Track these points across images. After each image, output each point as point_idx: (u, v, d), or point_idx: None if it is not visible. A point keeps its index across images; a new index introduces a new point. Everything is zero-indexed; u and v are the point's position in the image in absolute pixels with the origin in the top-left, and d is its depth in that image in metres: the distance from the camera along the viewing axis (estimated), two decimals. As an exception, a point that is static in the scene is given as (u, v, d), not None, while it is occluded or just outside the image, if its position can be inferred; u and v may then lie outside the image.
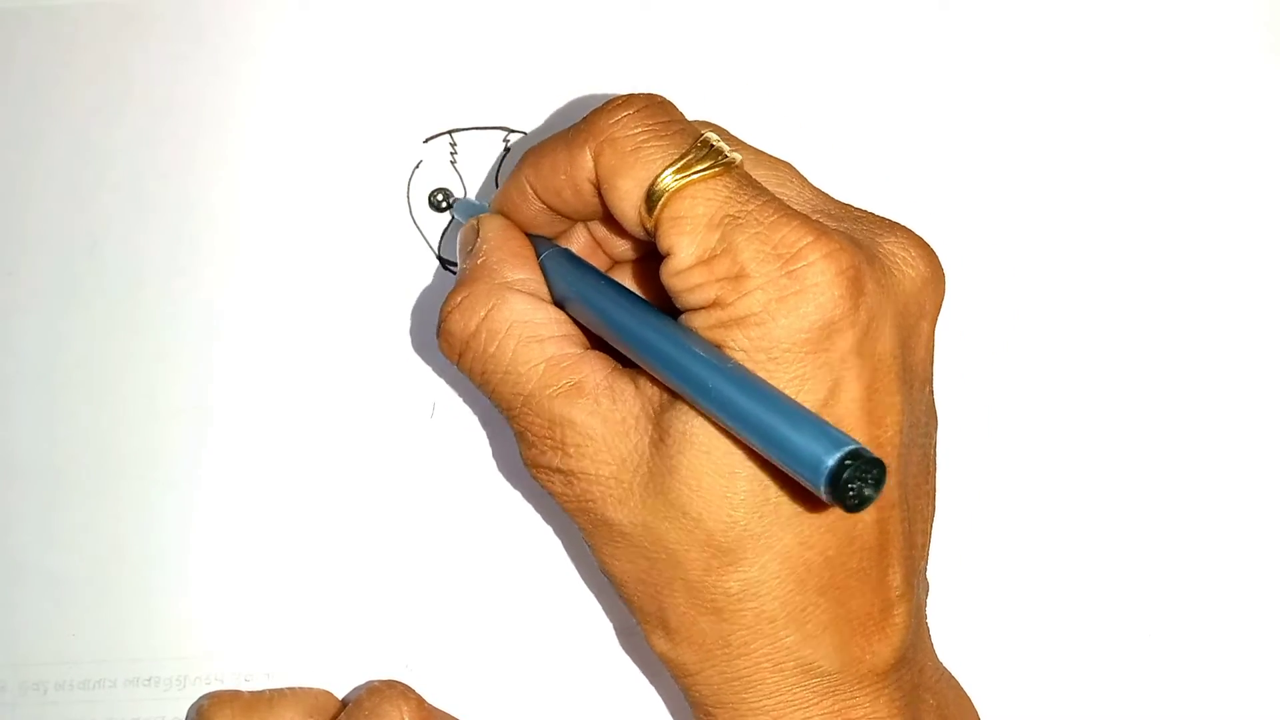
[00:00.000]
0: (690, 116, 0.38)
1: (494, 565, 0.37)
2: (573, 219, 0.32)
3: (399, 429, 0.37)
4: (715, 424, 0.28)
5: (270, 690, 0.34)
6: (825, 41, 0.39)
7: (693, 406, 0.28)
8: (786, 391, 0.27)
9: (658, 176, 0.29)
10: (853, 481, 0.25)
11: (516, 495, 0.37)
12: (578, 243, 0.33)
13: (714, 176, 0.29)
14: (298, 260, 0.38)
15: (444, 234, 0.38)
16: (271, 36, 0.39)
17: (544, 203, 0.32)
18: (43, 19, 0.40)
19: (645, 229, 0.29)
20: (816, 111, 0.39)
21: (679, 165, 0.29)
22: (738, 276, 0.28)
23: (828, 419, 0.27)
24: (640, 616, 0.31)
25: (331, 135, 0.39)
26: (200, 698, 0.34)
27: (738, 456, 0.28)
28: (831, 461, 0.25)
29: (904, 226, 0.30)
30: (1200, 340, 0.38)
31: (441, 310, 0.31)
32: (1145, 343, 0.38)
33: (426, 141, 0.39)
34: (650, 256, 0.33)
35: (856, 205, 0.31)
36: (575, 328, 0.31)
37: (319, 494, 0.37)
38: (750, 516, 0.28)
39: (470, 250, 0.33)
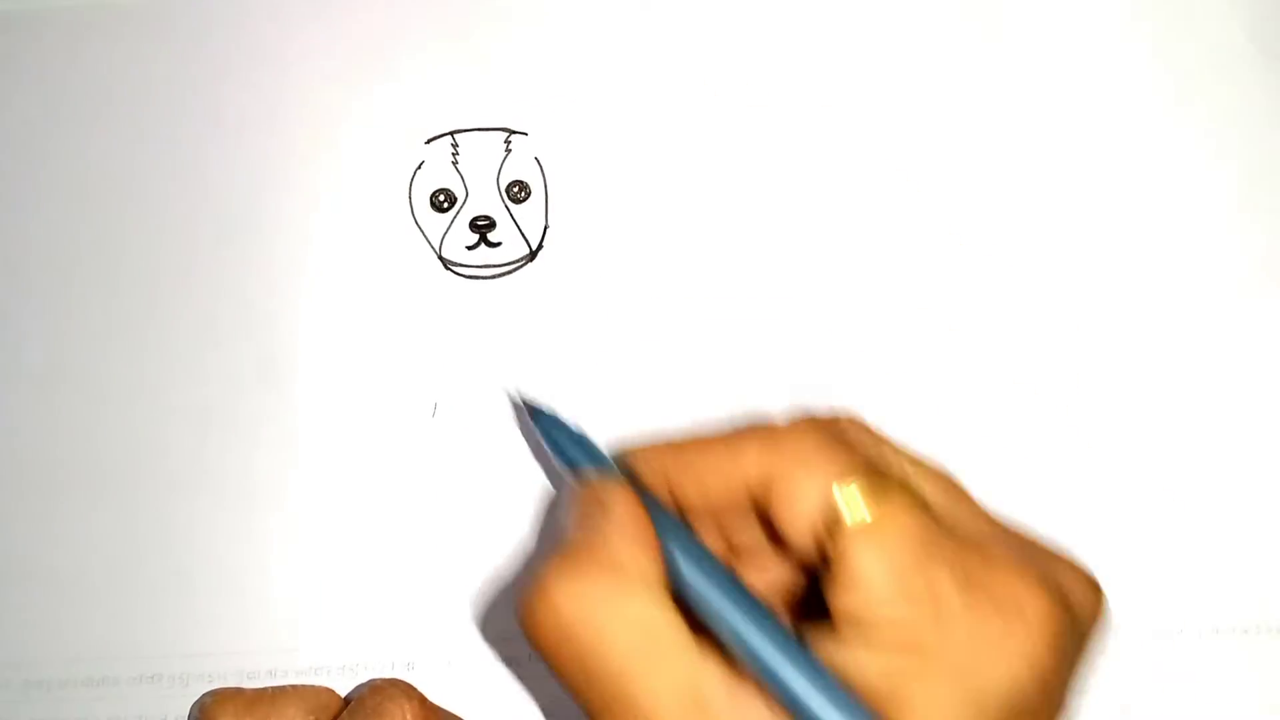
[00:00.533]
0: (691, 116, 0.39)
1: (495, 565, 0.37)
2: (694, 511, 0.30)
3: (399, 429, 0.37)
4: None
5: (273, 687, 0.34)
6: (826, 41, 0.39)
7: None
8: None
9: (846, 490, 0.27)
10: None
11: (517, 495, 0.37)
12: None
13: (910, 506, 0.27)
14: (299, 260, 0.38)
15: (445, 234, 0.38)
16: (273, 38, 0.40)
17: (671, 483, 0.30)
18: (46, 20, 0.40)
19: (816, 542, 0.28)
20: (817, 111, 0.39)
21: (871, 486, 0.27)
22: (938, 617, 0.26)
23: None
24: None
25: (333, 135, 0.39)
26: (203, 694, 0.34)
27: None
28: None
29: (1069, 559, 0.29)
30: (1199, 341, 0.38)
31: (539, 580, 0.28)
32: (1144, 344, 0.38)
33: (428, 142, 0.39)
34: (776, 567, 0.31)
35: (1014, 527, 0.30)
36: (693, 637, 0.28)
37: (320, 493, 0.37)
38: None
39: (584, 515, 0.30)
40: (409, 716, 0.32)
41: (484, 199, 0.39)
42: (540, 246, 0.38)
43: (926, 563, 0.26)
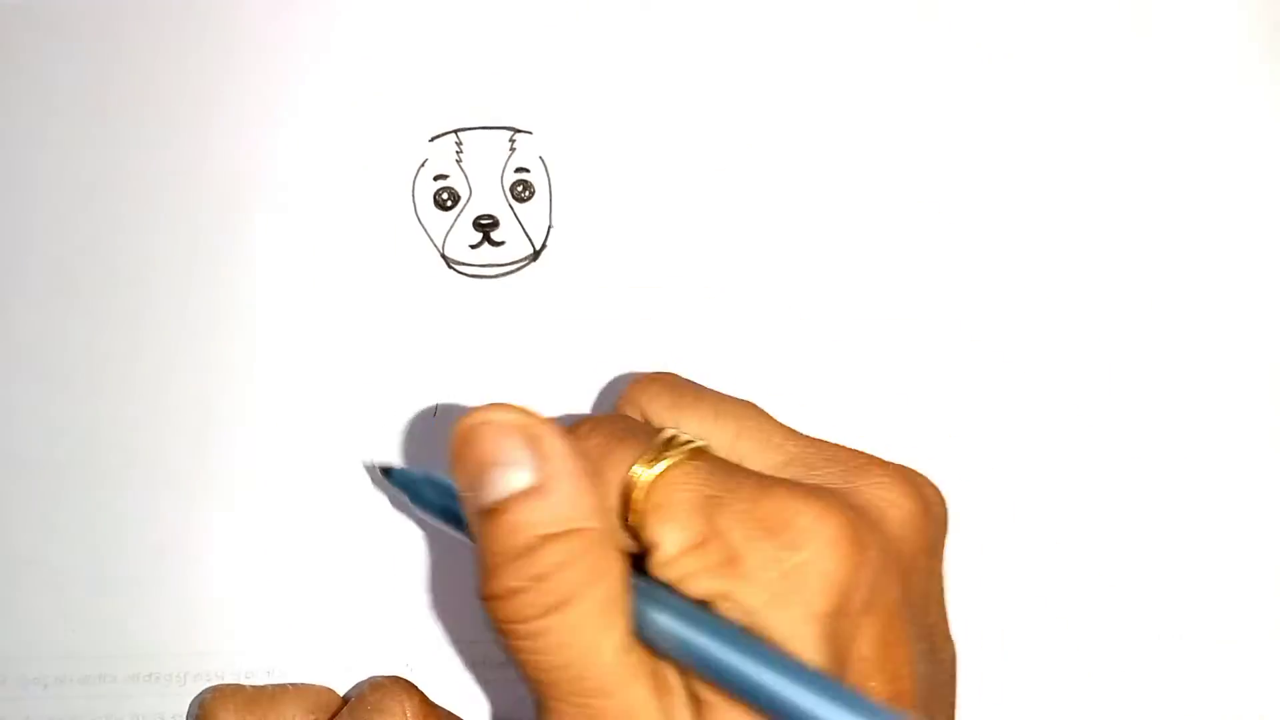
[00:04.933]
0: (695, 116, 0.39)
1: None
2: None
3: (400, 429, 0.37)
4: None
5: (273, 685, 0.34)
6: (826, 42, 0.40)
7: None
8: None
9: (625, 474, 0.28)
10: None
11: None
12: None
13: (685, 460, 0.28)
14: (301, 258, 0.38)
15: (448, 233, 0.38)
16: (277, 34, 0.39)
17: None
18: (46, 13, 0.40)
19: (631, 533, 0.28)
20: (817, 111, 0.39)
21: (644, 460, 0.28)
22: (731, 562, 0.26)
23: (842, 681, 0.26)
24: None
25: (336, 134, 0.39)
26: (202, 691, 0.34)
27: None
28: None
29: (881, 462, 0.29)
30: (1200, 341, 0.38)
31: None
32: (1145, 344, 0.38)
33: (432, 140, 0.39)
34: None
35: (828, 441, 0.30)
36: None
37: (321, 493, 0.37)
38: None
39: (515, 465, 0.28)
40: (409, 714, 0.32)
41: (488, 198, 0.39)
42: (544, 246, 0.38)
43: (708, 514, 0.27)
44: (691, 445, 0.28)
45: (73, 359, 0.38)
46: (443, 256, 0.38)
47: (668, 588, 0.28)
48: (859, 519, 0.27)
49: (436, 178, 0.39)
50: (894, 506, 0.28)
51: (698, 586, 0.27)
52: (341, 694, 0.35)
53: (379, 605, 0.36)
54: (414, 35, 0.39)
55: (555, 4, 0.40)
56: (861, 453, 0.30)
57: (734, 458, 0.30)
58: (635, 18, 0.39)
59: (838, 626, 0.26)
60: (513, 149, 0.39)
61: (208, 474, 0.37)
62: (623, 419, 0.30)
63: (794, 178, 0.39)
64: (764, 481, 0.28)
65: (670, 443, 0.28)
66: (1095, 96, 0.39)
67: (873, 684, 0.27)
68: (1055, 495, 0.37)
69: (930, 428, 0.37)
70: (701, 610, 0.27)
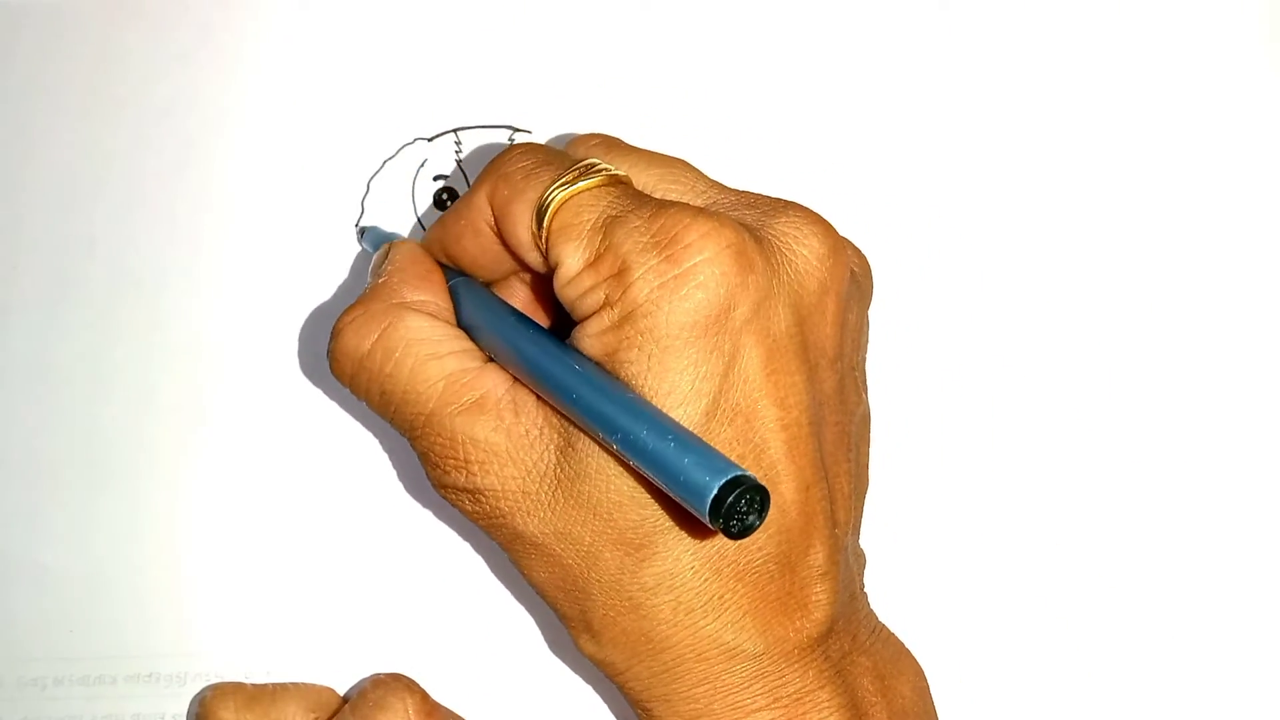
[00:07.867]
0: (689, 115, 0.39)
1: (495, 564, 0.37)
2: (480, 274, 0.33)
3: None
4: (606, 450, 0.28)
5: (273, 684, 0.34)
6: (825, 41, 0.40)
7: (585, 433, 0.28)
8: (683, 378, 0.27)
9: (544, 193, 0.29)
10: (737, 508, 0.25)
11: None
12: (516, 298, 0.33)
13: (597, 186, 0.29)
14: (299, 258, 0.38)
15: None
16: (274, 33, 0.40)
17: (448, 256, 0.32)
18: (42, 14, 0.40)
19: (539, 251, 0.30)
20: (816, 111, 0.39)
21: (563, 181, 0.29)
22: (620, 272, 0.28)
23: (724, 400, 0.28)
24: (566, 622, 0.31)
25: (336, 133, 0.39)
26: (203, 689, 0.34)
27: None
28: (715, 489, 0.25)
29: (798, 205, 0.30)
30: (1197, 338, 0.38)
31: (333, 328, 0.31)
32: (1144, 341, 0.38)
33: (432, 139, 0.39)
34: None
35: (755, 192, 0.31)
36: (474, 345, 0.31)
37: (319, 492, 0.37)
38: (660, 511, 0.28)
39: (373, 273, 0.33)
40: (411, 711, 0.32)
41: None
42: (543, 245, 0.38)
43: (607, 231, 0.28)
44: (609, 172, 0.29)
45: (69, 361, 0.38)
46: (443, 256, 0.38)
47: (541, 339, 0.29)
48: (750, 241, 0.28)
49: (436, 178, 0.39)
50: (800, 244, 0.29)
51: (592, 299, 0.28)
52: (341, 693, 0.35)
53: (378, 606, 0.36)
54: (414, 35, 0.40)
55: (555, 4, 0.40)
56: (784, 200, 0.31)
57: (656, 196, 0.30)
58: (635, 18, 0.40)
59: (718, 341, 0.27)
60: (512, 148, 0.39)
61: (206, 475, 0.37)
62: (554, 149, 0.31)
63: (793, 177, 0.39)
64: (665, 203, 0.29)
65: (589, 169, 0.29)
66: (1096, 97, 0.40)
67: (759, 405, 0.28)
68: (1054, 495, 0.37)
69: (928, 427, 0.37)
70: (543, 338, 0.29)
